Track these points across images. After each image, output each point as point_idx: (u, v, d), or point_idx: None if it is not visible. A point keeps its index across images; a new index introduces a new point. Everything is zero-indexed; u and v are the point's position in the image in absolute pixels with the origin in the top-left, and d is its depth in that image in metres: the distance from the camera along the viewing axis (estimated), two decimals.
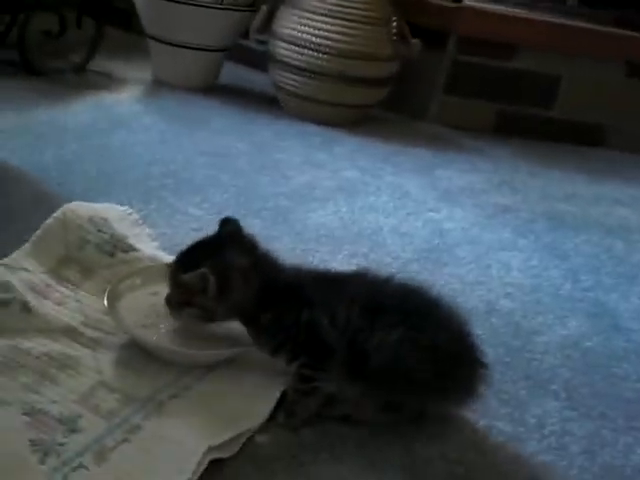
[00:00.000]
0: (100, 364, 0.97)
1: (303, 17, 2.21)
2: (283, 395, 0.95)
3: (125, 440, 0.84)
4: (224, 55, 2.45)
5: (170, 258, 1.08)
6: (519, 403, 1.06)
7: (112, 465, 0.80)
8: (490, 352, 1.03)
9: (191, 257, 0.98)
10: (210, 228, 1.02)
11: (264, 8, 2.32)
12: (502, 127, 2.56)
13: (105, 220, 1.22)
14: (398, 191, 1.82)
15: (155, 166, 1.68)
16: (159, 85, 2.39)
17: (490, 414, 1.02)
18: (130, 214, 1.34)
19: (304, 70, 2.21)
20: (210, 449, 0.84)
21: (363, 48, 2.20)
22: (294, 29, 2.22)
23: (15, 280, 1.06)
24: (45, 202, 1.34)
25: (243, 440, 0.88)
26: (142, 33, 2.43)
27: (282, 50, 2.25)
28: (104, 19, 2.36)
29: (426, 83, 2.50)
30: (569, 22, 2.57)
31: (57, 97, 2.08)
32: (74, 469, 0.79)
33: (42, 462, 0.79)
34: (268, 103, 2.36)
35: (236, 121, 2.17)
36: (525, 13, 2.57)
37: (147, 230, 1.33)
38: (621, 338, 1.31)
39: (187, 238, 1.05)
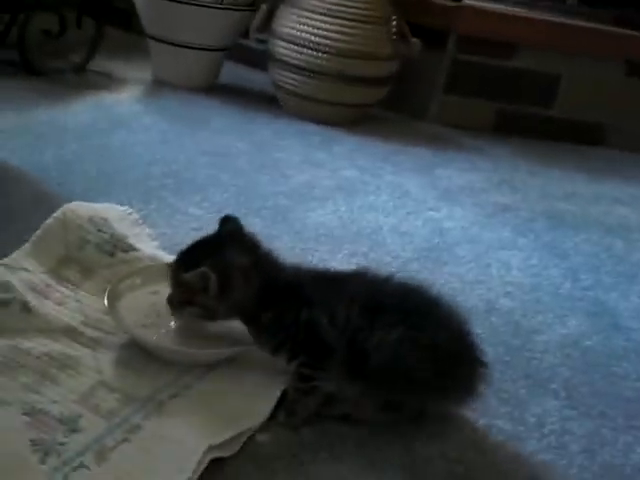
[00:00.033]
0: (100, 364, 0.97)
1: (302, 16, 2.21)
2: (284, 394, 0.95)
3: (125, 440, 0.84)
4: (224, 55, 2.46)
5: (170, 258, 1.08)
6: (519, 402, 1.06)
7: (112, 465, 0.81)
8: (490, 351, 1.03)
9: (192, 256, 0.98)
10: (210, 228, 1.03)
11: (264, 7, 2.32)
12: (502, 126, 2.56)
13: (105, 220, 1.22)
14: (398, 190, 1.83)
15: (155, 166, 1.69)
16: (159, 85, 2.39)
17: (490, 413, 1.02)
18: (130, 214, 1.34)
19: (303, 69, 2.21)
20: (210, 448, 0.84)
21: (362, 47, 2.20)
22: (293, 28, 2.22)
23: (15, 280, 1.06)
24: (45, 202, 1.34)
25: (243, 439, 0.88)
26: (142, 33, 2.43)
27: (281, 49, 2.25)
28: (104, 19, 2.36)
29: (426, 82, 2.50)
30: (569, 21, 2.57)
31: (57, 97, 2.08)
32: (75, 469, 0.79)
33: (43, 462, 0.79)
34: (268, 102, 2.37)
35: (236, 120, 2.17)
36: (525, 12, 2.57)
37: (147, 230, 1.33)
38: (621, 337, 1.31)
39: (187, 238, 1.05)
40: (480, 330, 1.09)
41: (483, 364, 0.97)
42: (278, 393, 0.96)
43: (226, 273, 0.94)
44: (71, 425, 0.85)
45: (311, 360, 0.93)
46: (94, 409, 0.88)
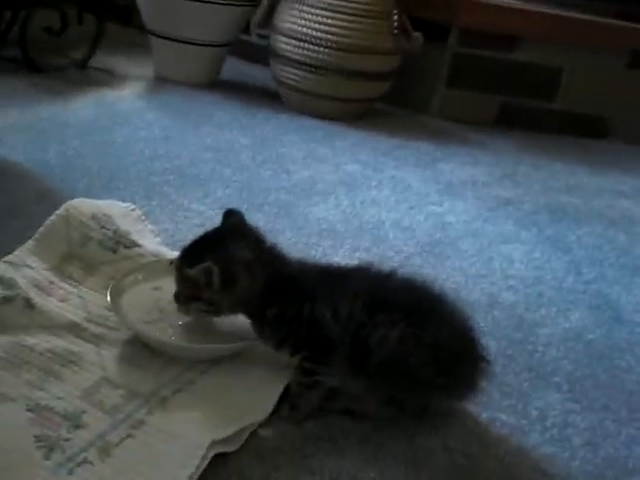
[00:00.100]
0: (104, 360, 0.97)
1: (304, 11, 2.21)
2: (287, 389, 0.96)
3: (129, 435, 0.85)
4: (226, 50, 2.46)
5: (173, 254, 1.08)
6: (522, 395, 1.07)
7: (116, 460, 0.81)
8: (493, 345, 1.03)
9: (195, 251, 0.98)
10: (213, 223, 1.03)
11: (265, 2, 2.32)
12: (504, 120, 2.56)
13: (108, 216, 1.22)
14: (400, 185, 1.83)
15: (158, 162, 1.69)
16: (161, 81, 2.39)
17: (493, 406, 1.02)
18: (133, 210, 1.34)
19: (305, 64, 2.21)
20: (214, 443, 0.84)
21: (364, 42, 2.20)
22: (295, 23, 2.22)
23: (18, 277, 1.06)
24: (48, 199, 1.34)
25: (247, 434, 0.88)
26: (143, 29, 2.43)
27: (283, 44, 2.25)
28: (105, 15, 2.36)
29: (428, 76, 2.50)
30: (570, 14, 2.56)
31: (59, 94, 2.08)
32: (79, 464, 0.79)
33: (47, 458, 0.79)
34: (270, 98, 2.37)
35: (238, 116, 2.17)
36: (527, 5, 2.57)
37: (150, 226, 1.33)
38: (624, 330, 1.31)
39: (190, 233, 1.05)
40: (483, 324, 1.09)
41: (486, 361, 0.97)
42: (281, 388, 0.96)
43: (229, 267, 0.94)
44: (75, 421, 0.85)
45: (314, 354, 0.93)
46: (98, 405, 0.89)
